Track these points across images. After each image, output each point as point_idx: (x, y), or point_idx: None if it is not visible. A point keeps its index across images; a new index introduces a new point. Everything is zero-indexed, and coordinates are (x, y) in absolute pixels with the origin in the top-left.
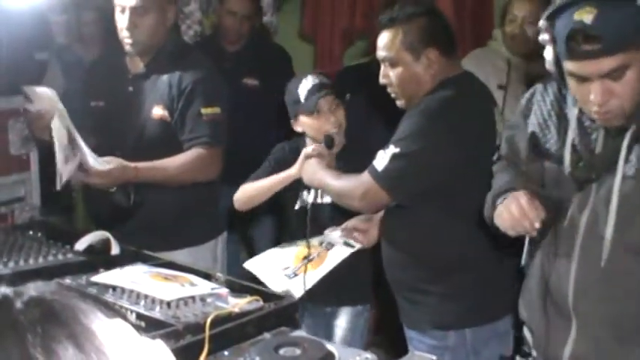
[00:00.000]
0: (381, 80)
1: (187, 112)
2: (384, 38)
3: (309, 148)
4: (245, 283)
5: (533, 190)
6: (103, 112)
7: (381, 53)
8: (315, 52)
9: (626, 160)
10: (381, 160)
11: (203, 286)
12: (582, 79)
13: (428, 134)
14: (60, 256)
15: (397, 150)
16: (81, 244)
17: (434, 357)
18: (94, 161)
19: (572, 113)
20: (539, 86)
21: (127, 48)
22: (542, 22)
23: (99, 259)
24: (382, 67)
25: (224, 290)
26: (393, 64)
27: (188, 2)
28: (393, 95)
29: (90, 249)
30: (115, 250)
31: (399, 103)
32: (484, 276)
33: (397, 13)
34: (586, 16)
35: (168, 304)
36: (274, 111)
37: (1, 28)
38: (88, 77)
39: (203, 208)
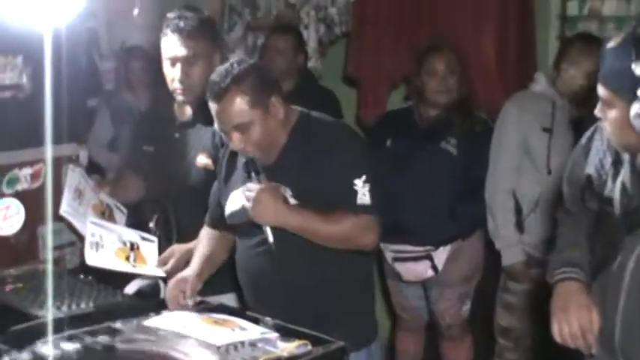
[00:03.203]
0: (237, 147)
1: None
2: (226, 107)
3: (249, 191)
4: (293, 327)
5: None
6: (153, 156)
7: (229, 123)
8: (359, 96)
9: None
10: (363, 195)
11: (253, 331)
12: None
13: (362, 152)
14: (110, 300)
15: (364, 178)
16: (131, 288)
17: None
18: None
19: (626, 156)
20: (599, 125)
21: (180, 98)
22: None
23: (149, 302)
24: (232, 136)
25: (273, 334)
26: (247, 126)
27: (234, 49)
28: (249, 156)
29: (139, 293)
30: (164, 293)
31: (259, 159)
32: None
33: (227, 76)
34: None
35: (219, 348)
36: None
37: (59, 77)
38: (141, 122)
39: None
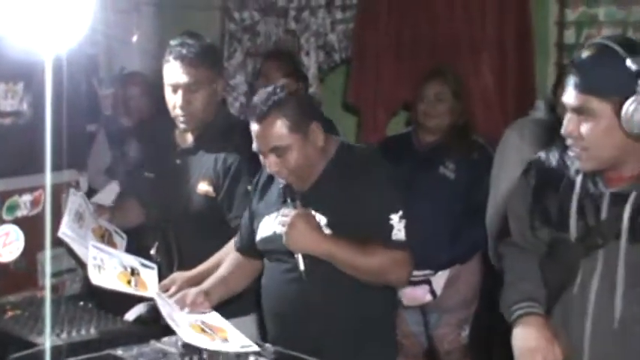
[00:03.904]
0: (274, 170)
1: (235, 190)
2: (266, 129)
3: (284, 216)
4: (294, 354)
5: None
6: (154, 183)
7: (267, 145)
8: (359, 123)
9: (632, 227)
10: (398, 231)
11: (233, 344)
12: None
13: (399, 188)
14: (110, 327)
15: (401, 213)
16: (131, 315)
17: None
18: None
19: (577, 180)
20: (541, 154)
21: (181, 125)
22: None
23: (149, 329)
24: (268, 159)
25: (251, 349)
26: (285, 150)
27: (234, 75)
28: (283, 180)
29: (140, 319)
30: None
31: (296, 185)
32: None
33: (269, 99)
34: None
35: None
36: None
37: (60, 104)
38: (142, 148)
39: None
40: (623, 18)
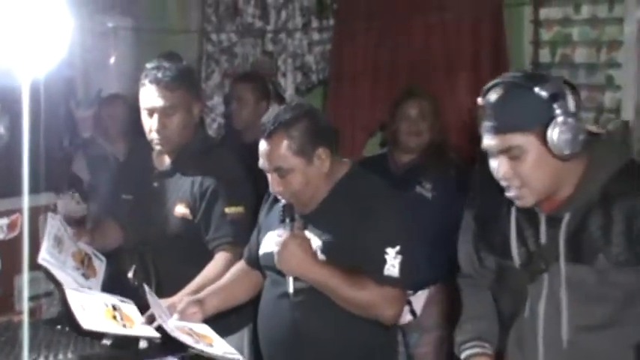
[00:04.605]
0: (276, 189)
1: (212, 212)
2: (271, 148)
3: (279, 236)
4: None
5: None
6: (131, 205)
7: (271, 164)
8: (337, 144)
9: (570, 248)
10: (392, 266)
11: (217, 349)
12: None
13: (403, 223)
14: (88, 351)
15: (398, 248)
16: (108, 338)
17: None
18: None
19: (512, 207)
20: (481, 181)
21: (157, 148)
22: None
23: (127, 352)
24: (271, 177)
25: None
26: (287, 171)
27: (211, 96)
28: (286, 200)
29: (117, 343)
30: (143, 343)
31: (297, 207)
32: None
33: (277, 119)
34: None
35: None
36: None
37: (37, 126)
38: (120, 171)
39: None
40: (597, 38)
